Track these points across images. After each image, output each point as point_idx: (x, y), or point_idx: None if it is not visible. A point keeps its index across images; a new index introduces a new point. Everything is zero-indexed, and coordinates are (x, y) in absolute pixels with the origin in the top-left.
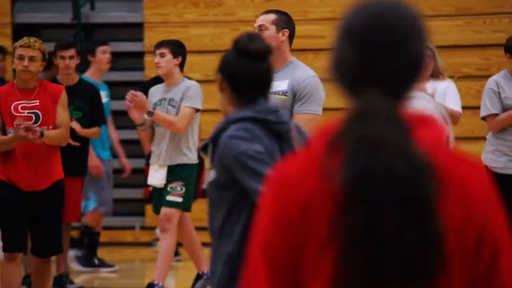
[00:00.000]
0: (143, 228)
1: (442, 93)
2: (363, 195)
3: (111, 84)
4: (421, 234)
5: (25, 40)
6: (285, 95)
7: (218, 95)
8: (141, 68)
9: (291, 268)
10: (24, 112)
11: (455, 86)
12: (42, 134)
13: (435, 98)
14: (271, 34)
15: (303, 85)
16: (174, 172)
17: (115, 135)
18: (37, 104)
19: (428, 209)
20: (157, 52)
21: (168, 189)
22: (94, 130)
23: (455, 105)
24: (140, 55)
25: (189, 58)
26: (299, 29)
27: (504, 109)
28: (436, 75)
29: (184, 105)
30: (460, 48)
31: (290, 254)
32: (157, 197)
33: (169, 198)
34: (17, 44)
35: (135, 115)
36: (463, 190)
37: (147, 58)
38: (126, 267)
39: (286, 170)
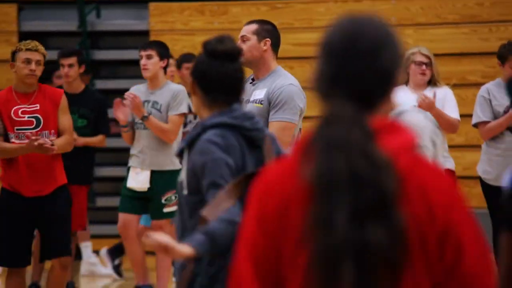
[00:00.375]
0: None
1: (441, 100)
2: (326, 192)
3: (116, 92)
4: (380, 229)
5: (30, 43)
6: (261, 104)
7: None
8: None
9: (274, 268)
10: (24, 117)
11: (452, 93)
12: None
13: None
14: (252, 44)
15: (278, 92)
16: (163, 181)
17: None
18: (38, 108)
19: (387, 206)
20: (144, 53)
21: (163, 201)
22: (98, 138)
23: (455, 113)
24: None
25: None
26: (304, 37)
27: (496, 116)
28: (434, 82)
29: (172, 113)
30: (466, 56)
31: (273, 255)
32: (128, 197)
33: (166, 210)
34: (22, 47)
35: (119, 115)
36: (424, 193)
37: None
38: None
39: (267, 177)
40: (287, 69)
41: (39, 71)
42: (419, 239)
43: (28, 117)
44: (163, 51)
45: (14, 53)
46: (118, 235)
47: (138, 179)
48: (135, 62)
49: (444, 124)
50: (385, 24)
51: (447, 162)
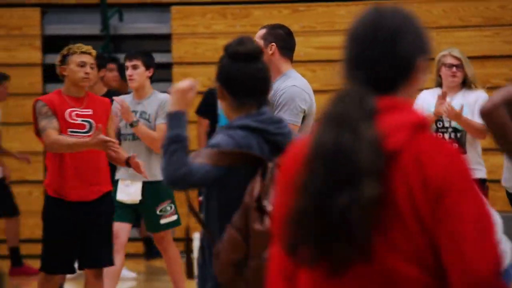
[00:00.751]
0: (175, 239)
1: (472, 104)
2: (310, 160)
3: None
4: (347, 199)
5: (84, 46)
6: None
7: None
8: (169, 80)
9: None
10: (77, 120)
11: (486, 97)
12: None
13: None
14: None
15: (279, 94)
16: (156, 192)
17: None
18: (91, 113)
19: (360, 178)
20: (129, 64)
21: (158, 212)
22: None
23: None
24: (168, 66)
25: None
26: (326, 40)
27: None
28: (468, 84)
29: (160, 122)
30: (490, 59)
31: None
32: (118, 207)
33: (163, 221)
34: (75, 50)
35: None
36: (420, 165)
37: (175, 70)
38: (156, 278)
39: (292, 149)
40: (308, 72)
41: (92, 75)
42: (411, 202)
43: (82, 121)
44: (149, 61)
45: (65, 57)
46: (139, 238)
47: (128, 192)
48: (157, 66)
49: (472, 131)
50: (406, 12)
51: (478, 171)
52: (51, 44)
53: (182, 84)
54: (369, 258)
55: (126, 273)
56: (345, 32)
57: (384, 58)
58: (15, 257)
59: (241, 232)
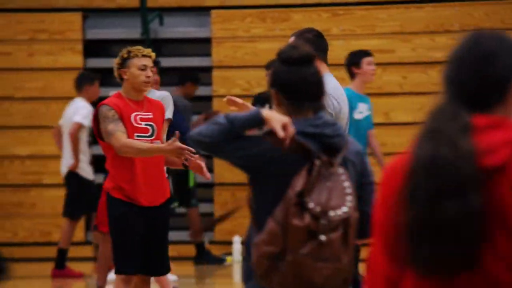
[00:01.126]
0: (212, 242)
1: None
2: (411, 173)
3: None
4: (455, 208)
5: (144, 50)
6: None
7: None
8: (209, 83)
9: (397, 243)
10: (141, 124)
11: None
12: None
13: None
14: None
15: None
16: None
17: (377, 146)
18: (151, 117)
19: (464, 189)
20: None
21: None
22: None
23: None
24: (208, 70)
25: (258, 73)
26: (366, 43)
27: None
28: None
29: None
30: None
31: (392, 229)
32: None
33: None
34: (137, 53)
35: None
36: None
37: (215, 73)
38: (195, 282)
39: (395, 161)
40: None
41: (152, 78)
42: None
43: (145, 125)
44: None
45: (125, 60)
46: (178, 241)
47: None
48: (197, 69)
49: None
50: (503, 37)
51: None
52: (92, 48)
53: (289, 123)
54: (474, 266)
55: (168, 276)
56: (385, 35)
57: (476, 78)
58: (61, 259)
59: (281, 225)
